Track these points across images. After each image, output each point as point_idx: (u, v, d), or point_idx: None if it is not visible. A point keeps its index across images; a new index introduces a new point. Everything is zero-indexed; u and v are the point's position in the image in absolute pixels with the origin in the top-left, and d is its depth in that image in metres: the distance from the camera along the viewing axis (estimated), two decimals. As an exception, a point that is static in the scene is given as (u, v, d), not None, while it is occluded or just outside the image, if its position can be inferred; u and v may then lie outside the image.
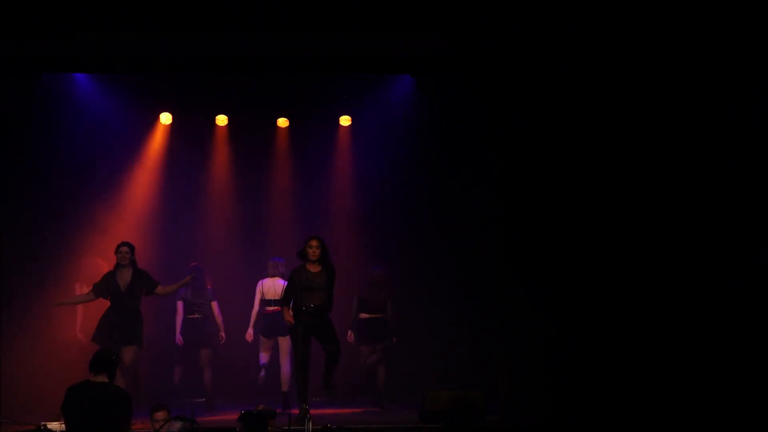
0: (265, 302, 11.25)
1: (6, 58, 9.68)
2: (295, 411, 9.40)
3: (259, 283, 11.35)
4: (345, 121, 12.68)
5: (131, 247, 10.16)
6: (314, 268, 9.71)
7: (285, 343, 11.11)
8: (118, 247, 10.13)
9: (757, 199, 8.52)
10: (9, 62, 9.81)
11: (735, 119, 8.79)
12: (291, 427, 8.48)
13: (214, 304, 11.33)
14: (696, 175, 9.08)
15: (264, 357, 11.28)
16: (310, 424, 7.20)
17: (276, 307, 11.08)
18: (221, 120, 12.51)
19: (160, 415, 7.59)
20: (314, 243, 9.74)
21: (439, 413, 9.12)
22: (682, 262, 9.04)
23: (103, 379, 7.09)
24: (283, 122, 12.62)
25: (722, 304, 8.77)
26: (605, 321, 9.04)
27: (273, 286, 11.22)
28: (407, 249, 12.55)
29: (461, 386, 11.00)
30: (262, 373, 11.22)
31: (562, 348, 9.06)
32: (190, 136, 12.58)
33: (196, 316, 11.22)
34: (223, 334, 11.30)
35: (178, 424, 7.47)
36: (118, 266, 10.07)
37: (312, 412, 7.66)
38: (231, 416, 8.90)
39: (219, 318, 11.33)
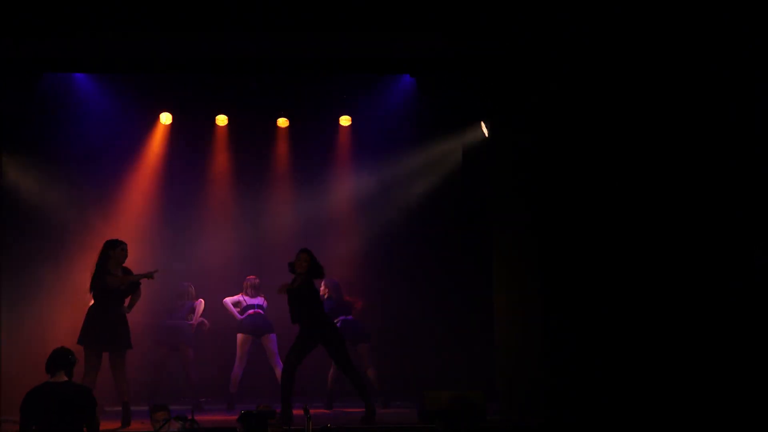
0: (248, 307, 11.26)
1: (6, 58, 9.68)
2: (295, 411, 9.38)
3: (241, 296, 11.41)
4: (345, 121, 12.68)
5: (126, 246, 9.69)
6: (301, 281, 9.70)
7: (268, 343, 11.14)
8: (118, 244, 9.65)
9: (757, 199, 8.52)
10: (9, 62, 9.80)
11: (735, 119, 8.78)
12: (291, 427, 8.49)
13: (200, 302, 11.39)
14: (696, 175, 9.08)
15: (239, 364, 11.19)
16: (310, 424, 7.18)
17: (258, 309, 11.20)
18: (221, 120, 12.51)
19: (160, 415, 7.58)
20: (303, 256, 9.73)
21: (439, 413, 9.11)
22: (681, 262, 9.03)
23: (62, 378, 7.05)
24: (283, 122, 12.61)
25: (722, 304, 8.76)
26: (605, 321, 9.03)
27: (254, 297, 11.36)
28: (407, 249, 12.55)
29: (461, 386, 11.00)
30: (232, 389, 11.19)
31: (562, 348, 9.05)
32: (190, 136, 12.58)
33: (176, 320, 11.22)
34: (202, 320, 11.36)
35: (178, 424, 7.46)
36: (111, 264, 9.54)
37: (312, 412, 7.64)
38: (231, 416, 8.91)
39: (199, 307, 11.37)
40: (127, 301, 9.60)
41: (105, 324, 9.39)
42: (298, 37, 9.45)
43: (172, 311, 11.30)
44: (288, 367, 9.47)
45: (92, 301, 9.66)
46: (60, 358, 7.12)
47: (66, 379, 7.05)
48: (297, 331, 9.80)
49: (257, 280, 11.49)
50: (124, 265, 9.70)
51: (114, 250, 9.61)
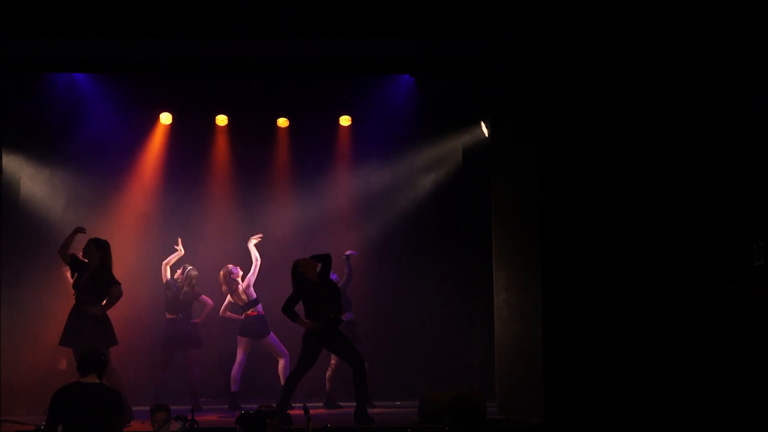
0: (244, 307, 11.21)
1: (6, 58, 9.68)
2: (293, 411, 9.38)
3: (228, 298, 11.31)
4: (345, 121, 12.69)
5: (98, 244, 9.35)
6: (317, 278, 9.61)
7: (269, 343, 11.15)
8: (88, 243, 9.36)
9: (756, 199, 8.51)
10: (9, 62, 9.81)
11: (734, 119, 8.77)
12: (291, 427, 8.48)
13: (205, 298, 11.30)
14: (694, 175, 9.09)
15: (239, 364, 11.16)
16: (310, 424, 7.18)
17: (253, 311, 11.10)
18: (221, 120, 12.51)
19: (160, 415, 7.58)
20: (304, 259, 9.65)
21: (439, 413, 9.11)
22: (681, 263, 9.04)
23: (93, 379, 7.05)
24: (283, 122, 12.62)
25: (722, 305, 8.77)
26: (606, 320, 9.04)
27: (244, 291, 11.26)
28: (406, 249, 12.56)
29: (461, 386, 11.01)
30: (234, 388, 11.16)
31: (562, 347, 9.05)
32: (190, 136, 12.58)
33: (178, 316, 11.13)
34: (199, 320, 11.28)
35: (178, 424, 7.45)
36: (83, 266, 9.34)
37: (312, 412, 7.63)
38: (231, 416, 8.91)
39: (207, 307, 11.28)
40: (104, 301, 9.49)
41: (78, 324, 9.24)
42: (299, 37, 9.45)
43: (176, 306, 11.17)
44: (298, 373, 9.41)
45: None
46: (93, 359, 7.10)
47: (97, 381, 7.05)
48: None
49: (228, 270, 11.21)
50: (113, 271, 9.48)
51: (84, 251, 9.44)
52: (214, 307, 11.37)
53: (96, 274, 9.32)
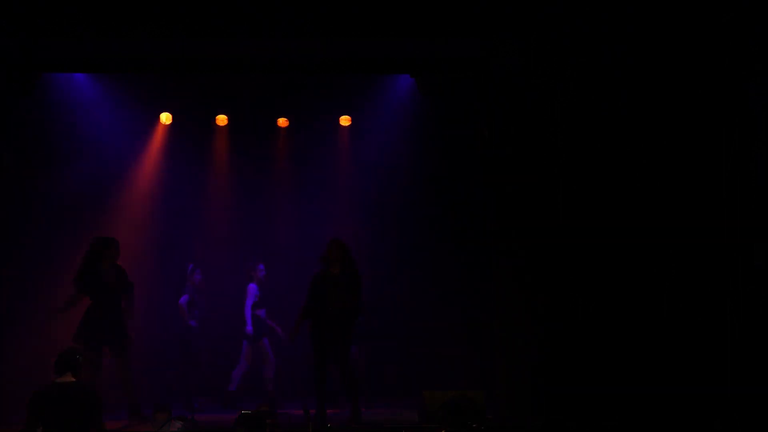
0: (255, 306, 11.28)
1: (6, 58, 9.68)
2: (295, 411, 9.38)
3: (252, 286, 11.37)
4: (345, 121, 12.68)
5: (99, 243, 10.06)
6: (335, 269, 9.67)
7: (264, 345, 11.31)
8: (111, 242, 9.99)
9: (756, 199, 8.52)
10: (9, 62, 9.81)
11: (734, 119, 8.77)
12: (292, 428, 8.48)
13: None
14: (694, 175, 9.09)
15: (241, 365, 11.27)
16: (310, 424, 7.19)
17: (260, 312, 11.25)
18: (221, 120, 12.51)
19: (161, 415, 7.60)
20: (335, 244, 9.70)
21: (442, 406, 9.12)
22: (682, 264, 9.04)
23: (69, 378, 7.08)
24: (283, 122, 12.62)
25: (722, 307, 8.77)
26: (607, 321, 9.04)
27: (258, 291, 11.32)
28: (407, 249, 12.55)
29: (461, 386, 10.98)
30: (232, 387, 11.23)
31: (562, 348, 9.05)
32: (190, 136, 12.58)
33: (193, 323, 11.23)
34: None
35: (179, 424, 7.47)
36: (102, 262, 9.86)
37: (312, 412, 7.63)
38: (231, 416, 8.92)
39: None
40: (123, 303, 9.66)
41: (104, 322, 9.43)
42: (299, 37, 9.45)
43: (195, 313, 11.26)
44: (316, 371, 9.47)
45: (88, 301, 9.76)
46: (68, 359, 7.15)
47: (73, 379, 7.07)
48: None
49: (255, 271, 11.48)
50: (118, 263, 9.85)
51: (108, 249, 9.76)
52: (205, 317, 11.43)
53: (120, 273, 9.84)
